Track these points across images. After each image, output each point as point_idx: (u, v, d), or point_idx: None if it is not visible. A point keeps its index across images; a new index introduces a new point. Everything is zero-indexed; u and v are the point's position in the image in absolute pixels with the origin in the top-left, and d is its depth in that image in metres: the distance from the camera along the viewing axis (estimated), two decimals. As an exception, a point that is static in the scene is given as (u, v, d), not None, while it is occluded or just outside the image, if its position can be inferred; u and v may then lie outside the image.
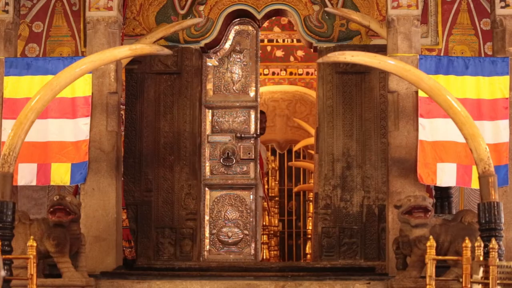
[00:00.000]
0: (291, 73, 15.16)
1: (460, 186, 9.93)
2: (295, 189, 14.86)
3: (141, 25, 10.03)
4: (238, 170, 10.15)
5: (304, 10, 10.04)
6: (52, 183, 8.49)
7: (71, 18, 9.68)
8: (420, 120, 8.19)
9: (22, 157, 8.02)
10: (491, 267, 6.15)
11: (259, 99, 10.52)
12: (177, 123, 9.95)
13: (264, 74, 14.98)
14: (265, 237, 10.41)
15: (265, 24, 12.61)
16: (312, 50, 10.31)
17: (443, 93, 7.11)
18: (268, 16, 10.47)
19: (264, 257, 10.32)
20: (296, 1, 10.07)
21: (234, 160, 10.12)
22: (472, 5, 9.62)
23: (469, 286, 6.23)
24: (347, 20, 9.83)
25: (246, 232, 10.06)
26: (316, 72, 11.17)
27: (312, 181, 13.16)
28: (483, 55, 9.44)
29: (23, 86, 8.44)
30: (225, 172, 10.13)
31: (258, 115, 10.36)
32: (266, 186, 12.72)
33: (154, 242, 9.77)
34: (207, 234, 10.02)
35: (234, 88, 10.43)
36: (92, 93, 8.44)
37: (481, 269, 6.27)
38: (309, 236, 13.91)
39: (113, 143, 8.51)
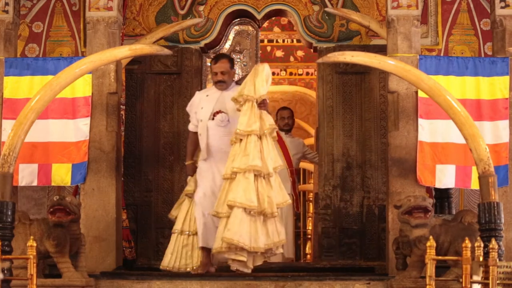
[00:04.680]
0: (291, 73, 15.17)
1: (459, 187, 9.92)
2: (295, 189, 14.82)
3: (141, 25, 10.03)
4: (238, 170, 10.13)
5: (304, 10, 10.05)
6: (53, 184, 8.49)
7: (71, 18, 9.68)
8: (420, 121, 8.19)
9: (23, 157, 8.03)
10: (491, 267, 6.15)
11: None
12: (177, 123, 9.95)
13: (264, 74, 14.97)
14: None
15: (265, 24, 12.61)
16: (312, 50, 10.32)
17: (443, 93, 7.11)
18: (268, 16, 10.48)
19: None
20: (296, 1, 10.08)
21: (234, 160, 10.08)
22: (472, 5, 9.62)
23: (469, 286, 6.23)
24: (347, 20, 9.84)
25: (246, 232, 10.04)
26: (316, 72, 11.17)
27: (312, 181, 13.17)
28: (483, 55, 9.45)
29: (23, 86, 8.44)
30: (225, 172, 10.11)
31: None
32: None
33: (154, 242, 9.77)
34: (207, 234, 10.01)
35: (234, 88, 10.42)
36: (92, 93, 8.45)
37: (481, 269, 6.27)
38: (309, 236, 13.92)
39: (113, 143, 8.51)
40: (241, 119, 7.60)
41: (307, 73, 15.15)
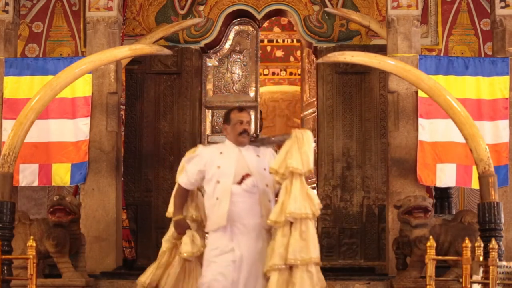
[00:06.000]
0: (291, 73, 15.16)
1: (460, 186, 9.93)
2: (295, 189, 14.80)
3: (141, 25, 10.03)
4: (238, 170, 10.13)
5: (304, 10, 10.05)
6: (53, 184, 8.49)
7: (71, 18, 9.69)
8: (420, 120, 8.19)
9: (24, 157, 8.03)
10: (491, 267, 6.14)
11: (259, 99, 10.53)
12: (177, 123, 9.95)
13: (264, 74, 14.99)
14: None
15: (265, 24, 12.62)
16: (312, 50, 10.31)
17: (443, 93, 7.11)
18: (268, 16, 10.49)
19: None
20: (296, 1, 10.08)
21: (234, 160, 10.07)
22: (472, 5, 9.62)
23: (469, 286, 6.22)
24: (347, 20, 9.84)
25: (246, 232, 10.02)
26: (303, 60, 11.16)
27: (312, 181, 13.15)
28: (483, 55, 9.45)
29: (23, 86, 8.45)
30: (225, 172, 10.10)
31: (258, 115, 10.35)
32: None
33: (154, 242, 9.76)
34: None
35: (234, 88, 10.44)
36: (92, 93, 8.45)
37: (481, 269, 6.27)
38: (309, 236, 13.89)
39: (113, 143, 8.51)
40: (292, 197, 6.14)
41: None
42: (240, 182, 6.25)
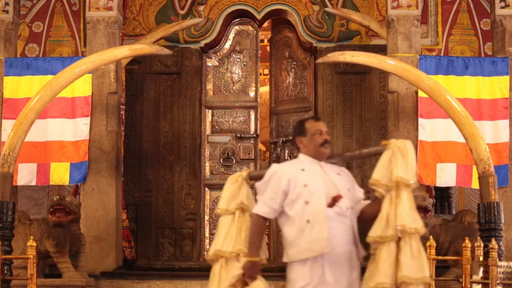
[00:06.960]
0: (291, 73, 15.14)
1: (460, 186, 9.93)
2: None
3: (141, 25, 10.03)
4: (238, 170, 10.14)
5: (304, 10, 10.05)
6: (51, 183, 8.50)
7: (71, 18, 9.68)
8: (420, 120, 8.20)
9: (22, 157, 8.03)
10: (491, 267, 6.15)
11: (259, 99, 10.52)
12: (177, 123, 9.95)
13: (264, 74, 14.97)
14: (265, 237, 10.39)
15: (265, 24, 12.62)
16: (311, 50, 10.31)
17: (443, 93, 7.11)
18: (268, 16, 10.48)
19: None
20: (296, 1, 10.08)
21: (234, 160, 10.12)
22: (472, 5, 9.62)
23: (469, 286, 6.23)
24: (347, 20, 9.84)
25: (246, 232, 10.00)
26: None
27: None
28: (483, 55, 9.45)
29: (23, 86, 8.45)
30: (225, 172, 10.12)
31: (258, 115, 10.37)
32: None
33: (154, 242, 9.77)
34: (207, 234, 10.01)
35: (234, 88, 10.44)
36: (92, 93, 8.45)
37: (481, 269, 6.27)
38: (309, 236, 13.88)
39: (113, 143, 8.51)
40: (401, 209, 5.56)
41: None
42: (331, 204, 5.49)
